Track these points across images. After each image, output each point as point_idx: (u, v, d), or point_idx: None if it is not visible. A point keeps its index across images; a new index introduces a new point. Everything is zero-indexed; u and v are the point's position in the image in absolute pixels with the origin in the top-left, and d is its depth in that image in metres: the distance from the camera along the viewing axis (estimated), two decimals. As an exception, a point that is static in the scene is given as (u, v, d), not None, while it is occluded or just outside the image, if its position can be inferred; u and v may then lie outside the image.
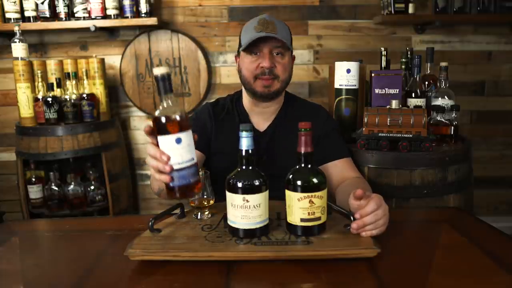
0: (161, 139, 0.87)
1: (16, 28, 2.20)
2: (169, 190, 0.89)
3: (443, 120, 1.64)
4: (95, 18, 2.35)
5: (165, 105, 0.87)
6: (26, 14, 2.35)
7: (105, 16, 2.36)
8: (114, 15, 2.36)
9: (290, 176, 0.93)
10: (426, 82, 1.81)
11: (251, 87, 1.34)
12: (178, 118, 0.86)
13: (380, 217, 0.92)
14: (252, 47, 1.30)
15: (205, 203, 1.07)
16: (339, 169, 1.34)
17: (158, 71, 0.86)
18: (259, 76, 1.31)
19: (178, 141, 0.86)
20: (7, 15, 2.33)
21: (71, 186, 2.32)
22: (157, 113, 0.87)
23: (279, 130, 1.40)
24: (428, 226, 1.15)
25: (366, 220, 0.91)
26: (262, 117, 1.42)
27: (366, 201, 0.93)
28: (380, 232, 0.92)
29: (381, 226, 0.92)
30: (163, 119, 0.86)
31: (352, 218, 0.93)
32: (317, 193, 0.90)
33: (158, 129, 0.87)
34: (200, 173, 0.99)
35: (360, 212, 0.92)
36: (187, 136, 0.87)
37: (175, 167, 0.86)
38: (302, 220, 0.91)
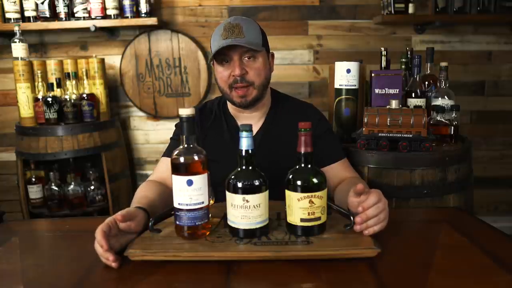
0: (174, 177, 0.91)
1: (16, 28, 2.20)
2: (178, 227, 0.94)
3: (443, 120, 1.64)
4: (95, 18, 2.35)
5: (185, 145, 0.92)
6: (26, 14, 2.36)
7: (105, 16, 2.37)
8: (114, 15, 2.36)
9: (290, 176, 0.93)
10: (426, 82, 1.81)
11: (228, 97, 1.31)
12: (193, 161, 0.91)
13: (382, 210, 0.92)
14: (220, 56, 1.24)
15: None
16: (336, 171, 1.33)
17: (184, 112, 0.90)
18: (233, 85, 1.26)
19: (189, 183, 0.90)
20: (7, 15, 2.34)
21: (71, 186, 2.32)
22: (176, 152, 0.91)
23: (270, 132, 1.36)
24: (428, 226, 1.15)
25: (369, 213, 0.91)
26: (250, 121, 1.34)
27: (366, 196, 0.93)
28: (382, 227, 0.92)
29: (383, 220, 0.92)
30: (179, 159, 0.90)
31: (352, 218, 0.93)
32: (317, 193, 0.91)
33: (173, 167, 0.91)
34: None
35: (362, 205, 0.91)
36: (199, 179, 0.91)
37: (184, 207, 0.91)
38: (302, 220, 0.91)
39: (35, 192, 2.36)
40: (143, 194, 1.18)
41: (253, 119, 1.36)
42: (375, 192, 0.93)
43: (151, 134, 2.72)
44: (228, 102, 1.39)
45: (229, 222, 0.94)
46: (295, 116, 1.31)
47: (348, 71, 1.65)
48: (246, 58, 1.25)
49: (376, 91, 1.69)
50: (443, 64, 1.70)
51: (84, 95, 2.27)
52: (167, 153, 1.37)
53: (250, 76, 1.25)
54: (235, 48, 1.22)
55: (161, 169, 1.34)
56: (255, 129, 1.36)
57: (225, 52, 1.23)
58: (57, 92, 2.24)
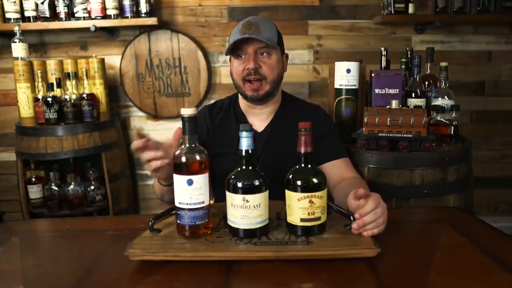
0: (175, 176, 0.91)
1: (16, 28, 2.20)
2: (179, 226, 0.94)
3: (443, 120, 1.64)
4: (95, 18, 2.35)
5: (187, 145, 0.92)
6: (26, 14, 2.36)
7: (105, 16, 2.36)
8: (114, 15, 2.36)
9: (290, 176, 0.93)
10: (426, 82, 1.81)
11: (241, 91, 1.36)
12: (194, 160, 0.91)
13: (380, 215, 0.92)
14: (237, 50, 1.32)
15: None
16: (337, 169, 1.34)
17: (186, 112, 0.91)
18: (246, 78, 1.32)
19: (190, 182, 0.90)
20: (7, 15, 2.34)
21: (71, 186, 2.32)
22: (177, 152, 0.92)
23: (277, 130, 1.40)
24: (428, 226, 1.15)
25: (366, 219, 0.91)
26: (259, 118, 1.42)
27: (365, 200, 0.93)
28: (380, 230, 0.93)
29: (381, 224, 0.93)
30: (181, 159, 0.91)
31: (352, 218, 0.93)
32: (317, 193, 0.91)
33: (174, 166, 0.92)
34: None
35: (359, 212, 0.92)
36: (200, 179, 0.91)
37: (184, 206, 0.91)
38: (302, 220, 0.91)
39: (35, 192, 2.36)
40: None
41: (262, 116, 1.42)
42: (373, 197, 0.93)
43: (151, 134, 2.70)
44: (240, 98, 1.45)
45: (229, 222, 0.94)
46: (302, 116, 1.33)
47: (348, 71, 1.65)
48: (261, 54, 1.32)
49: (376, 91, 1.69)
50: (443, 64, 1.70)
51: (84, 95, 2.26)
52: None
53: (263, 70, 1.32)
54: (251, 43, 1.29)
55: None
56: (263, 126, 1.42)
57: (241, 47, 1.30)
58: (57, 92, 2.24)
